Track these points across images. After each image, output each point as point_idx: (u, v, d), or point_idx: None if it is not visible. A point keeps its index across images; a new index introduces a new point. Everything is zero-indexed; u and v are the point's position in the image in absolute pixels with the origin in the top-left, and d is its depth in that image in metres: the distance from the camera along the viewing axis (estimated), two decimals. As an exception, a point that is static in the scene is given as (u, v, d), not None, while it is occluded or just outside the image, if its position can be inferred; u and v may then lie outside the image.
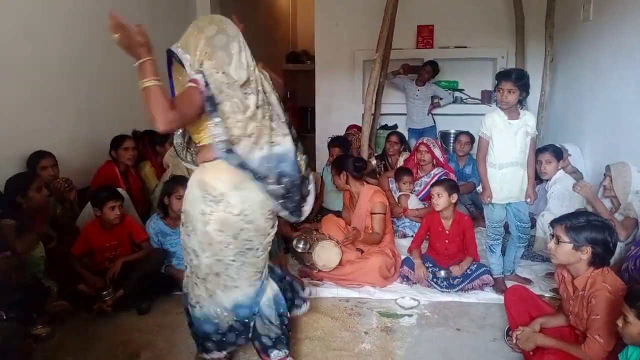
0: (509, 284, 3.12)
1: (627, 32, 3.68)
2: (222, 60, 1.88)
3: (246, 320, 2.16)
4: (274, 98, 2.06)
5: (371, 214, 3.48)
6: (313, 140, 6.54)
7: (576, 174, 3.99)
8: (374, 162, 4.69)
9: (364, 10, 5.76)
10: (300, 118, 9.88)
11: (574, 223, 2.12)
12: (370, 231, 3.50)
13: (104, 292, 2.91)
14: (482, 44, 5.87)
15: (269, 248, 2.16)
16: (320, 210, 4.34)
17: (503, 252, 3.34)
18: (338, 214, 3.87)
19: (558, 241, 2.14)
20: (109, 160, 3.76)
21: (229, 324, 2.15)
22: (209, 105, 1.86)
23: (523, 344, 2.34)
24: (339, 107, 6.19)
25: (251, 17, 8.11)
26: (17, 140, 3.12)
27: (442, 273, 3.27)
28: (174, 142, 2.20)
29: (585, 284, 2.13)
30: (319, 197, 4.34)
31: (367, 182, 3.74)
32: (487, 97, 5.92)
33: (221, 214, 1.94)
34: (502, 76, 2.97)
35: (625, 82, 3.65)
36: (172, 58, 2.01)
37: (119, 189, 3.35)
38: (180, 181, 3.32)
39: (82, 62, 3.77)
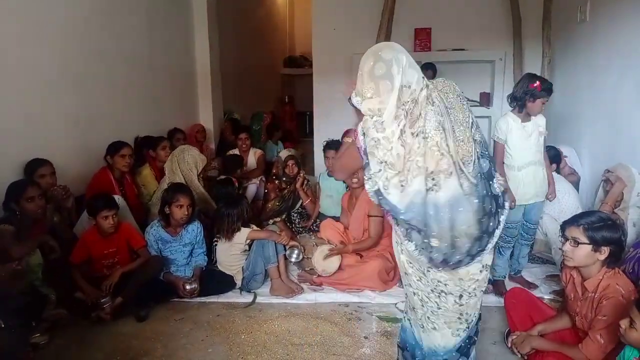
0: (513, 285, 3.12)
1: (623, 33, 3.67)
2: (385, 95, 1.69)
3: None
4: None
5: (368, 216, 3.47)
6: (312, 144, 6.54)
7: (574, 175, 4.00)
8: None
9: (361, 14, 5.76)
10: (299, 122, 9.90)
11: (590, 223, 2.06)
12: (367, 235, 3.49)
13: (102, 300, 2.90)
14: (480, 46, 5.86)
15: (480, 293, 1.88)
16: (317, 216, 4.33)
17: (510, 255, 3.35)
18: (334, 218, 3.85)
19: (577, 243, 2.08)
20: (104, 167, 3.75)
21: None
22: (365, 157, 1.75)
23: (519, 347, 2.34)
24: (337, 111, 6.17)
25: (249, 22, 8.14)
26: (14, 147, 3.11)
27: None
28: None
29: (596, 286, 2.10)
30: (316, 202, 4.33)
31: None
32: (485, 100, 5.91)
33: (406, 247, 1.80)
34: (552, 91, 2.99)
35: (623, 82, 3.65)
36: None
37: (116, 196, 3.34)
38: (180, 190, 3.32)
39: (80, 70, 3.76)
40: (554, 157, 3.70)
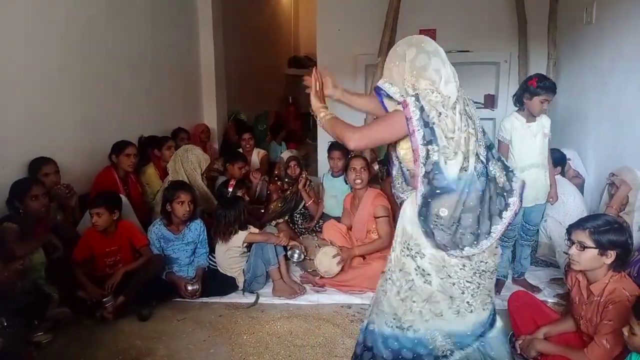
0: (516, 288, 3.10)
1: (629, 35, 3.65)
2: (431, 79, 1.81)
3: (462, 349, 2.00)
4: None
5: (375, 218, 3.46)
6: (315, 145, 6.52)
7: (578, 178, 3.99)
8: (376, 167, 4.68)
9: (366, 15, 5.75)
10: (303, 123, 9.89)
11: (597, 227, 2.04)
12: (376, 236, 3.47)
13: (105, 299, 2.90)
14: (485, 48, 5.84)
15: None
16: (321, 217, 4.32)
17: (513, 257, 3.34)
18: (338, 219, 3.85)
19: (583, 247, 2.05)
20: (108, 166, 3.76)
21: (443, 351, 1.99)
22: (430, 133, 1.76)
23: (525, 352, 2.33)
24: (341, 112, 6.14)
25: (253, 22, 8.14)
26: (18, 146, 3.12)
27: None
28: (393, 184, 2.12)
29: (602, 290, 2.08)
30: (320, 203, 4.33)
31: (370, 187, 3.73)
32: (490, 102, 5.89)
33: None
34: (551, 90, 2.96)
35: (628, 85, 3.62)
36: (381, 94, 1.98)
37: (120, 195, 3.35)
38: (180, 186, 3.32)
39: (83, 69, 3.77)
40: (559, 159, 3.69)
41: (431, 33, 5.91)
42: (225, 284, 3.35)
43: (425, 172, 1.79)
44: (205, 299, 3.24)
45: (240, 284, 3.37)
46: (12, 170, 3.03)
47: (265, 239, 3.36)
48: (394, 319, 2.02)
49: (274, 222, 4.13)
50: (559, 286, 3.29)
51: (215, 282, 3.33)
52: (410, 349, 2.01)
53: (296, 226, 4.35)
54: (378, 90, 1.97)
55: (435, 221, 1.81)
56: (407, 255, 1.96)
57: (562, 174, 3.77)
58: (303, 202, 4.38)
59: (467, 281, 1.92)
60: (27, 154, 3.15)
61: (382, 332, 2.05)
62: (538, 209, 3.17)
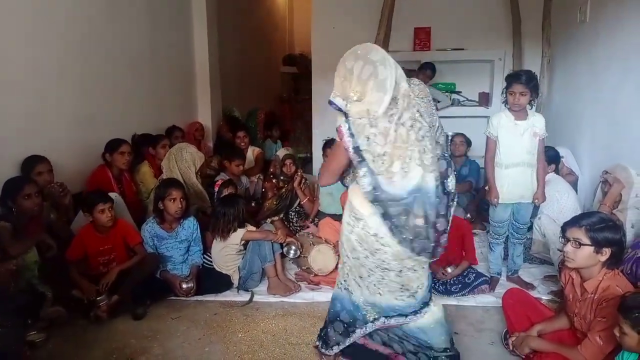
0: (510, 285, 3.12)
1: (623, 34, 3.66)
2: (372, 95, 1.88)
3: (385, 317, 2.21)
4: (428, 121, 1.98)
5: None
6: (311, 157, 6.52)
7: (572, 175, 4.01)
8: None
9: (361, 13, 5.75)
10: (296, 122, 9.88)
11: (592, 224, 2.05)
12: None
13: (99, 298, 2.89)
14: (480, 46, 5.86)
15: (422, 270, 2.15)
16: (316, 214, 4.32)
17: (506, 254, 3.35)
18: (334, 217, 3.85)
19: (579, 244, 2.06)
20: (102, 164, 3.74)
21: (367, 317, 2.22)
22: (357, 156, 1.94)
23: (518, 349, 2.34)
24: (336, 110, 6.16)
25: (249, 21, 8.12)
26: (11, 144, 3.09)
27: (449, 269, 3.24)
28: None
29: (596, 287, 2.09)
30: (315, 201, 4.32)
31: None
32: (484, 100, 5.91)
33: (359, 230, 2.05)
34: (513, 79, 2.95)
35: (624, 83, 3.63)
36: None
37: (111, 193, 3.33)
38: (172, 184, 3.32)
39: (79, 67, 3.75)
40: (553, 157, 3.70)
41: (426, 31, 5.93)
42: (220, 282, 3.35)
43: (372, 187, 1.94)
44: (200, 297, 3.24)
45: (235, 282, 3.36)
46: (6, 168, 3.01)
47: (264, 237, 3.36)
48: (345, 280, 2.27)
49: (269, 220, 4.12)
50: (553, 283, 3.31)
51: (210, 280, 3.33)
52: (350, 311, 2.26)
53: (291, 224, 4.35)
54: (331, 104, 2.04)
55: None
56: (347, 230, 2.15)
57: (556, 171, 3.79)
58: (298, 200, 4.38)
59: (371, 269, 2.10)
60: (20, 152, 3.12)
61: (333, 293, 2.37)
62: (525, 208, 3.16)
